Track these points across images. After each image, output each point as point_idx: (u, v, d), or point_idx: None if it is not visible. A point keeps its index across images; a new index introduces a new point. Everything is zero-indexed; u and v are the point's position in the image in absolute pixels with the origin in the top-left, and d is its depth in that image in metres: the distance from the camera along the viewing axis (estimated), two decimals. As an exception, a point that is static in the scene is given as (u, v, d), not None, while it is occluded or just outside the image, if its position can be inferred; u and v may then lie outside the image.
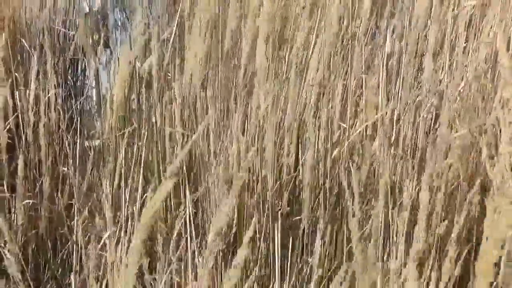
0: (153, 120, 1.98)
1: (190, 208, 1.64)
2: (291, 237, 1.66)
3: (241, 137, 1.69)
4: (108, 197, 1.61)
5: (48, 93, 1.84)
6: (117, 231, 1.47)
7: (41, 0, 2.41)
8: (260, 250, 1.67)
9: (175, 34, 2.11)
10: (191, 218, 1.63)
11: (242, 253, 1.21)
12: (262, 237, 1.69)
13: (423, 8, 1.68)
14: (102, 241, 1.51)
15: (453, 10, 2.06)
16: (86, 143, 2.02)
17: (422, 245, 1.35)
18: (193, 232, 1.64)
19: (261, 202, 1.68)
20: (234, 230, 1.71)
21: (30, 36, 2.33)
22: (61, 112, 1.92)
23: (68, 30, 2.57)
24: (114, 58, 2.49)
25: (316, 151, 1.67)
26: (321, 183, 1.71)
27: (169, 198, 1.90)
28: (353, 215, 1.36)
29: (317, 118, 1.77)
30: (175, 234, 1.62)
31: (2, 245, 1.38)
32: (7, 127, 1.84)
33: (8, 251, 1.32)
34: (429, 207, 1.40)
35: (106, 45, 2.68)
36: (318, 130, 1.70)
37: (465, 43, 1.95)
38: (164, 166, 1.93)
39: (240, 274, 1.21)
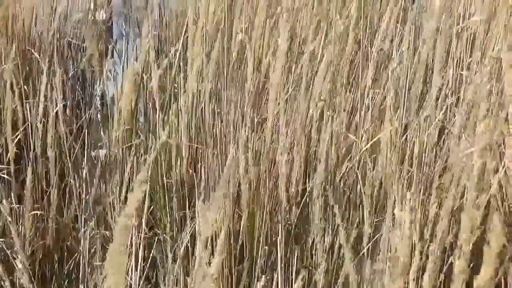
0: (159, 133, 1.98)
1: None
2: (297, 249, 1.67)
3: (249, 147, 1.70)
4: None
5: (57, 105, 1.84)
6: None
7: (51, 11, 2.41)
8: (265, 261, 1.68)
9: (182, 45, 2.11)
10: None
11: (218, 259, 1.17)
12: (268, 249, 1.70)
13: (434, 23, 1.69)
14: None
15: (457, 25, 2.08)
16: (93, 154, 2.02)
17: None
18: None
19: (269, 214, 1.69)
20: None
21: (40, 47, 2.34)
22: (70, 124, 1.92)
23: (77, 41, 2.58)
24: (119, 69, 2.49)
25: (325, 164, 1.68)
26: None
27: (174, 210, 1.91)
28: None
29: (324, 131, 1.78)
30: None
31: (15, 255, 1.39)
32: (16, 138, 1.84)
33: (21, 262, 1.32)
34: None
35: (112, 56, 2.69)
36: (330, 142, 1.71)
37: (469, 58, 1.97)
38: (168, 179, 1.93)
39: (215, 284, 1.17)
